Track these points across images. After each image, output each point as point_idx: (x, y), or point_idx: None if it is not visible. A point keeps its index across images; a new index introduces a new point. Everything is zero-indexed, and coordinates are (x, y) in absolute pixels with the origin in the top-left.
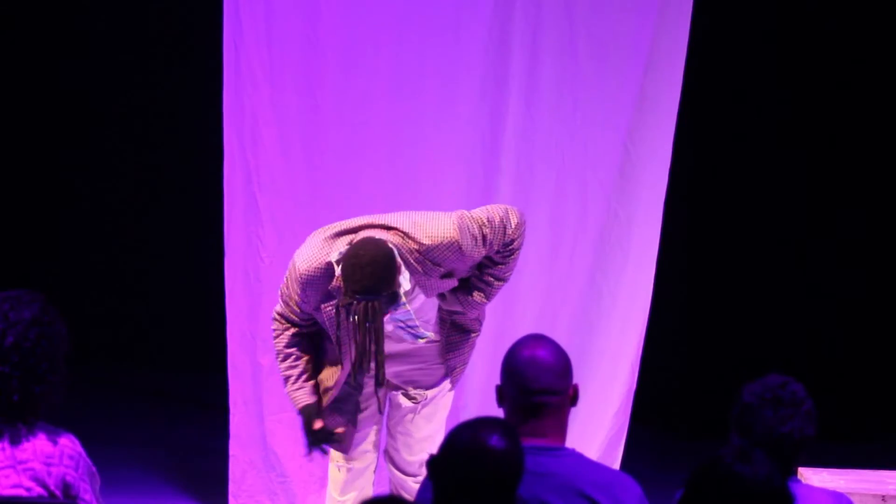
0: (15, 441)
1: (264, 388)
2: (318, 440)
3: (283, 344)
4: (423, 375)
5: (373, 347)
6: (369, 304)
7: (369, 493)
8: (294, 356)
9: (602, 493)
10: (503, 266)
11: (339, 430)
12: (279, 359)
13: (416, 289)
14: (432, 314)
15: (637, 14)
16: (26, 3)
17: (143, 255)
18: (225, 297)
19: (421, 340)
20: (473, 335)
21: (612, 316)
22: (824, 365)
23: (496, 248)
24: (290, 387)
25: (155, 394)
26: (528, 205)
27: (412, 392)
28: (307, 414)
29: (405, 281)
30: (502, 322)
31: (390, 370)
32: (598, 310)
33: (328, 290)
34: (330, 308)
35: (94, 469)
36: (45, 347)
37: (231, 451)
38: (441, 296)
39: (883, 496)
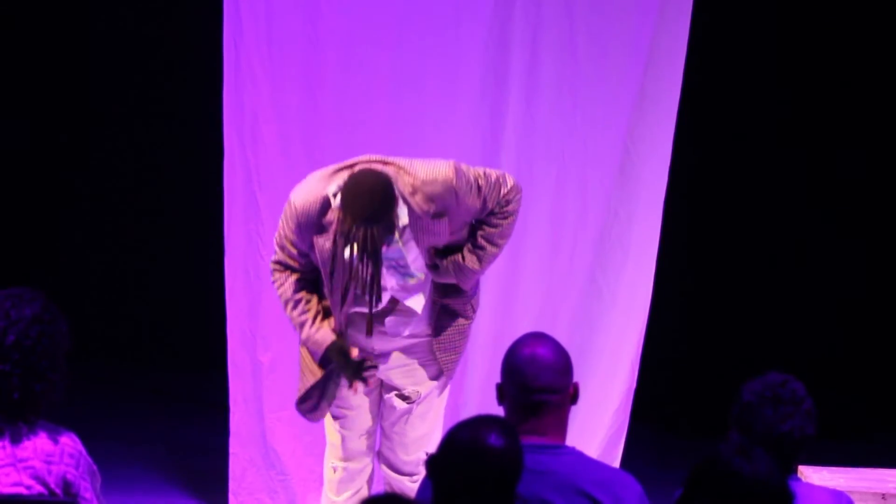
0: (15, 439)
1: (264, 385)
2: (358, 371)
3: (291, 291)
4: (416, 372)
5: (369, 274)
6: (368, 231)
7: (365, 493)
8: (304, 300)
9: (602, 492)
10: (495, 231)
11: (368, 356)
12: (288, 308)
13: (408, 232)
14: (426, 295)
15: (637, 13)
16: (26, 3)
17: (143, 255)
18: (225, 296)
19: (411, 280)
20: (464, 321)
21: (613, 314)
22: (824, 364)
23: (490, 206)
24: (307, 332)
25: (155, 392)
26: (529, 203)
27: (406, 391)
28: (338, 349)
29: (402, 214)
30: (502, 321)
31: (382, 367)
32: (599, 308)
33: (322, 223)
34: (323, 241)
35: (94, 467)
36: (45, 345)
37: (231, 449)
38: (433, 266)
39: (883, 494)
